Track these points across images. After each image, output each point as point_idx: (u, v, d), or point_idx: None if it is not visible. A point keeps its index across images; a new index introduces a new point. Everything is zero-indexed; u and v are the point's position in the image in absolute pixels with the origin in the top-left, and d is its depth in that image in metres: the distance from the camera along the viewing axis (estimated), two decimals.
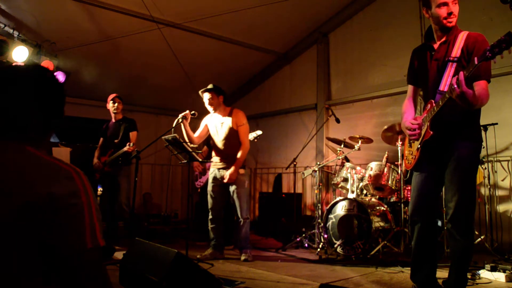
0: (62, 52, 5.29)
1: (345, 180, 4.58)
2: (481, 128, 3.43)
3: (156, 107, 7.88)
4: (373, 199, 4.45)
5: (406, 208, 4.02)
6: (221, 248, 4.30)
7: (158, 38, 5.85)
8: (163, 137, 3.73)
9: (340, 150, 4.83)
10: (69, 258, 1.01)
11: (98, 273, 1.06)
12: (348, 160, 4.95)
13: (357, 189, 4.40)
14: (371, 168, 4.38)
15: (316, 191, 5.05)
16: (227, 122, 4.24)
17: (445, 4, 2.32)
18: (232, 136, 4.23)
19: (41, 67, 1.22)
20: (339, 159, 4.86)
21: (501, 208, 4.73)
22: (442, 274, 2.82)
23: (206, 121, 4.43)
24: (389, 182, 4.26)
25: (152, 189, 7.60)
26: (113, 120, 5.00)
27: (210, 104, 4.24)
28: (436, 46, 2.47)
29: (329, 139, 5.15)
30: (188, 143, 3.92)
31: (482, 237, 4.20)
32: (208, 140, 5.06)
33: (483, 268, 3.27)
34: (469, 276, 3.01)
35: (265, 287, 3.03)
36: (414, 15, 5.50)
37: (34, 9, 4.96)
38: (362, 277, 3.32)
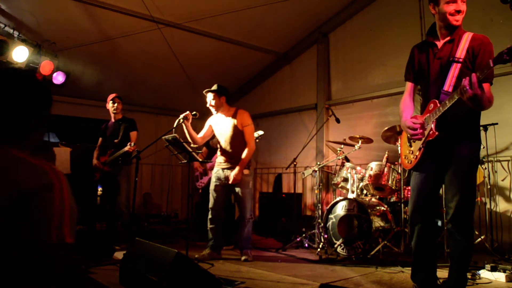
0: (62, 52, 5.29)
1: (345, 180, 4.58)
2: (481, 128, 3.43)
3: (156, 107, 7.88)
4: (373, 199, 4.45)
5: (406, 208, 4.03)
6: (219, 248, 4.29)
7: (158, 38, 5.85)
8: (163, 137, 3.73)
9: (340, 150, 4.84)
10: (34, 251, 1.02)
11: (64, 269, 1.07)
12: (348, 160, 4.95)
13: (357, 189, 4.40)
14: (371, 168, 4.38)
15: (316, 191, 5.05)
16: (232, 122, 4.23)
17: (454, 1, 2.31)
18: (237, 137, 4.22)
19: (31, 71, 1.31)
20: (339, 159, 4.87)
21: (501, 208, 4.73)
22: (442, 274, 2.82)
23: (210, 121, 4.42)
24: (389, 182, 4.26)
25: (152, 189, 7.59)
26: (113, 120, 4.99)
27: (211, 105, 4.24)
28: (439, 44, 2.46)
29: (329, 142, 5.15)
30: (189, 143, 3.92)
31: (482, 237, 4.21)
32: (207, 141, 5.06)
33: (483, 268, 3.27)
34: (469, 276, 3.01)
35: (265, 287, 3.03)
36: (414, 15, 5.50)
37: (34, 9, 4.96)
38: (362, 277, 3.32)
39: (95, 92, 6.54)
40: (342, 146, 4.84)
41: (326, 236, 4.31)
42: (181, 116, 4.03)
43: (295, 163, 5.44)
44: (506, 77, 4.71)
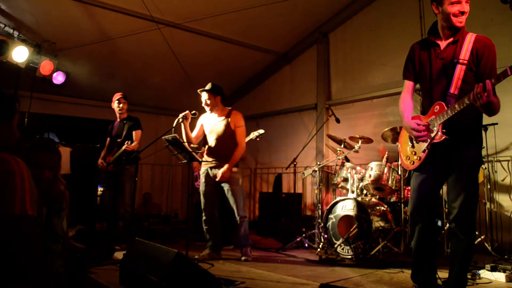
0: (62, 52, 5.30)
1: (345, 180, 4.58)
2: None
3: (156, 107, 7.88)
4: (373, 199, 4.45)
5: (406, 208, 4.02)
6: (218, 248, 4.28)
7: (158, 38, 5.85)
8: (163, 137, 3.73)
9: (340, 150, 4.83)
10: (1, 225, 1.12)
11: (28, 240, 1.17)
12: (348, 160, 4.94)
13: (357, 189, 4.40)
14: (371, 168, 4.37)
15: (316, 191, 5.05)
16: (225, 121, 4.23)
17: (459, 2, 2.30)
18: (228, 137, 4.22)
19: None
20: (339, 159, 4.86)
21: (501, 208, 4.73)
22: (442, 274, 2.82)
23: (201, 120, 4.41)
24: (389, 182, 4.25)
25: (152, 189, 7.60)
26: (118, 120, 5.00)
27: (207, 104, 4.24)
28: (441, 44, 2.43)
29: (329, 136, 5.15)
30: (189, 143, 3.92)
31: (482, 237, 4.20)
32: (206, 141, 5.05)
33: (483, 268, 3.27)
34: (469, 276, 3.01)
35: (265, 287, 3.02)
36: (414, 15, 5.50)
37: (34, 9, 4.96)
38: (362, 277, 3.32)
39: (95, 92, 6.55)
40: (342, 145, 4.84)
41: (326, 236, 4.31)
42: (181, 115, 4.02)
43: (295, 163, 5.44)
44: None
